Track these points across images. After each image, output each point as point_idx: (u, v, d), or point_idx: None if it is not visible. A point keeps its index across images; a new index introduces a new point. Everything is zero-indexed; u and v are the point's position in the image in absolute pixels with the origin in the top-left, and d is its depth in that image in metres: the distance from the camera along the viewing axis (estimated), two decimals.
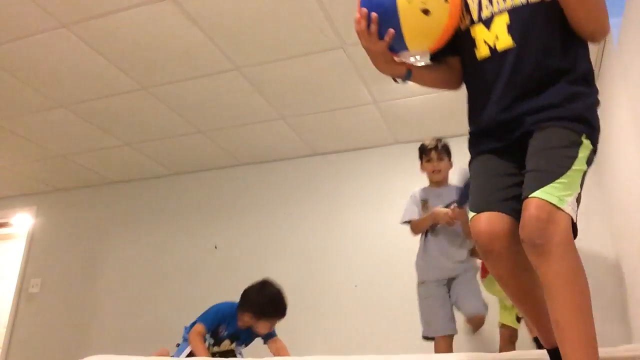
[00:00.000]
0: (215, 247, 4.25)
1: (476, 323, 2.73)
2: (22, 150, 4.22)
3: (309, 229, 4.00)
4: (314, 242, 3.94)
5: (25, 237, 5.03)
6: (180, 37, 2.82)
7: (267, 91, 3.37)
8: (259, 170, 4.36)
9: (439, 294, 2.74)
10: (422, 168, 2.90)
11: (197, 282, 4.20)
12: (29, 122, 3.76)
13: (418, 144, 3.87)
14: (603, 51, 2.88)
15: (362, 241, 3.48)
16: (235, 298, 4.10)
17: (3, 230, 5.71)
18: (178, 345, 2.68)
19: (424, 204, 2.81)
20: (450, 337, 2.67)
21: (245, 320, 2.58)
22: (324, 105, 3.54)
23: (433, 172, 2.85)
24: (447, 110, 3.53)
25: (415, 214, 2.82)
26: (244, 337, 2.68)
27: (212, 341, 2.62)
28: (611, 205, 3.13)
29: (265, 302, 2.56)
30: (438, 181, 2.87)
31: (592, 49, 3.09)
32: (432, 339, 2.70)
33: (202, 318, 2.59)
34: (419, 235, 2.85)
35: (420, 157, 2.91)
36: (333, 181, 4.10)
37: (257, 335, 2.67)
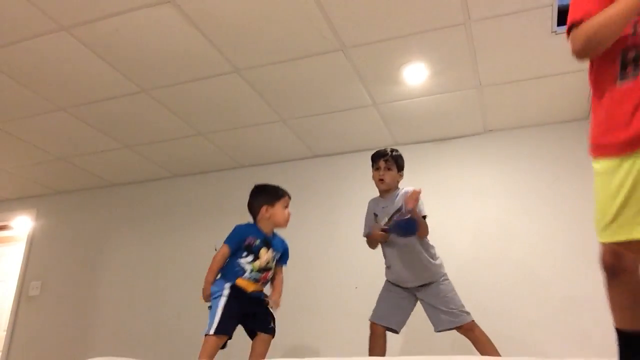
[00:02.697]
0: (216, 249, 4.25)
1: (466, 333, 2.65)
2: (22, 153, 4.22)
3: (309, 230, 4.00)
4: (314, 243, 3.95)
5: (25, 240, 5.03)
6: (180, 39, 2.83)
7: (267, 93, 3.37)
8: (259, 172, 4.36)
9: (400, 294, 2.78)
10: (372, 176, 2.94)
11: (197, 284, 4.18)
12: (29, 125, 3.76)
13: (418, 146, 3.91)
14: None
15: (362, 243, 3.46)
16: None
17: (3, 233, 5.72)
18: (210, 307, 2.66)
19: (375, 216, 2.87)
20: (382, 328, 2.73)
21: (265, 217, 2.74)
22: (324, 107, 3.54)
23: (379, 180, 2.88)
24: (446, 112, 3.54)
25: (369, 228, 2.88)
26: (276, 244, 2.76)
27: (250, 257, 2.65)
28: None
29: (268, 189, 2.83)
30: (383, 191, 2.90)
31: None
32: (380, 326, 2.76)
33: (226, 240, 2.70)
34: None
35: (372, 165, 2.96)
36: (333, 183, 4.10)
37: (286, 248, 2.81)
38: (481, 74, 3.14)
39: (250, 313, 2.64)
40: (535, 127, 3.69)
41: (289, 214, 2.77)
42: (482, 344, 2.57)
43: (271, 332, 2.68)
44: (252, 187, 2.91)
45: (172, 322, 4.14)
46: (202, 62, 3.02)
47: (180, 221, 4.48)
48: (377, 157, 2.91)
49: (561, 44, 2.83)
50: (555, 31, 2.73)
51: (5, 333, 4.74)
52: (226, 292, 2.61)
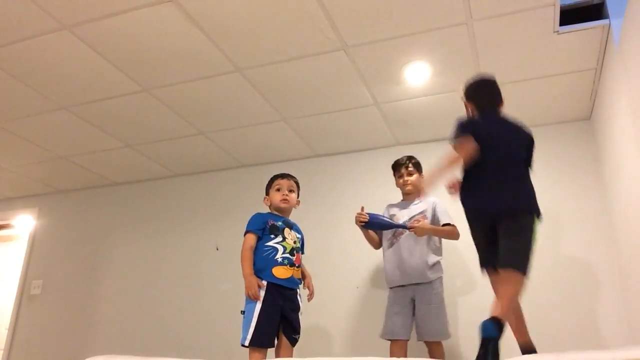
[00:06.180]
0: (217, 249, 4.25)
1: (434, 350, 2.81)
2: (24, 152, 4.22)
3: (310, 230, 3.96)
4: (315, 243, 3.93)
5: (26, 238, 5.03)
6: (181, 39, 2.83)
7: (269, 93, 3.37)
8: (260, 172, 4.33)
9: (399, 300, 2.95)
10: (396, 183, 3.26)
11: (198, 283, 4.20)
12: (31, 124, 3.76)
13: (419, 146, 3.91)
14: (605, 52, 2.88)
15: (363, 243, 3.46)
16: (236, 299, 4.08)
17: (5, 232, 5.73)
18: (242, 312, 2.67)
19: (391, 217, 3.17)
20: (401, 342, 2.87)
21: (268, 206, 3.01)
22: (325, 107, 3.54)
23: (403, 185, 3.19)
24: (448, 111, 3.53)
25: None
26: (296, 228, 2.99)
27: (279, 237, 2.81)
28: (612, 205, 3.13)
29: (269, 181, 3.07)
30: (407, 194, 3.21)
31: (594, 50, 3.10)
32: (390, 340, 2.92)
33: (247, 227, 2.82)
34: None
35: (394, 174, 3.27)
36: (334, 183, 4.10)
37: (302, 235, 3.02)
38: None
39: (285, 315, 2.68)
40: (537, 127, 3.65)
41: (282, 195, 2.94)
42: None
43: (294, 342, 2.72)
44: (253, 186, 2.98)
45: (173, 320, 4.14)
46: (204, 61, 3.02)
47: (182, 220, 4.49)
48: (398, 166, 3.23)
49: (564, 43, 2.83)
50: (558, 31, 2.73)
51: (7, 332, 4.75)
52: (262, 293, 2.60)
